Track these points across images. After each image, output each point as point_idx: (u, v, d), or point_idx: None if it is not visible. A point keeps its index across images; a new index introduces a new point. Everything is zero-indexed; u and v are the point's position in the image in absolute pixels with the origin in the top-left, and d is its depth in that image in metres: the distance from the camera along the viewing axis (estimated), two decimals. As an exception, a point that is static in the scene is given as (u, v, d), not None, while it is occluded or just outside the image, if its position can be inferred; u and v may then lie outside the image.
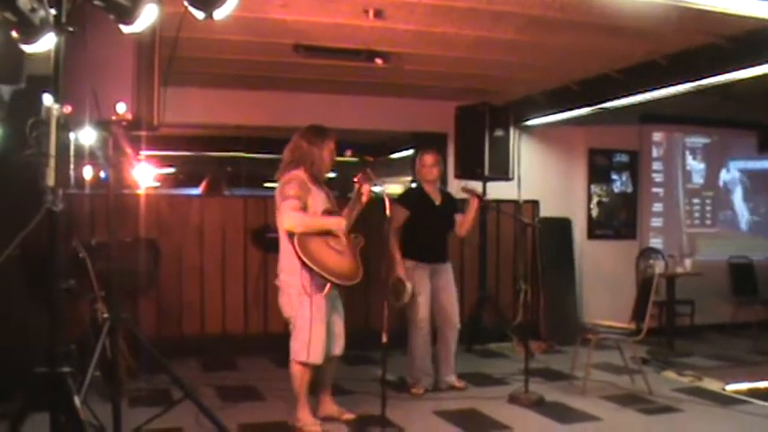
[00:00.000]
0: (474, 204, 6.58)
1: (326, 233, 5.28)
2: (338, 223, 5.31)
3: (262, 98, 8.57)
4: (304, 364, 5.27)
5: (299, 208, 5.20)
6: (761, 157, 10.81)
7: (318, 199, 5.39)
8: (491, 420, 5.84)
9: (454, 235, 6.87)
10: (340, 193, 5.75)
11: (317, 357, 5.26)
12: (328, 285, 5.26)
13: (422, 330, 6.55)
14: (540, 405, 6.21)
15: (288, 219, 5.19)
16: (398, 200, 6.66)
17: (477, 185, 7.45)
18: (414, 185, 7.05)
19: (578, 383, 6.79)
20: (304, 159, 5.39)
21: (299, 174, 5.34)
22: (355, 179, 5.48)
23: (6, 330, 5.37)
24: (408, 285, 6.37)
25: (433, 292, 6.64)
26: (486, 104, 8.14)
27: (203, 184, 10.03)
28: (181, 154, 12.42)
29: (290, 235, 5.19)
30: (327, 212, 5.40)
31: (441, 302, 6.69)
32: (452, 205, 6.82)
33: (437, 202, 6.73)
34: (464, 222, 6.71)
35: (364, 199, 5.45)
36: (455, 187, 6.96)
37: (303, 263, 5.13)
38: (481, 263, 8.86)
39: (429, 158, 6.73)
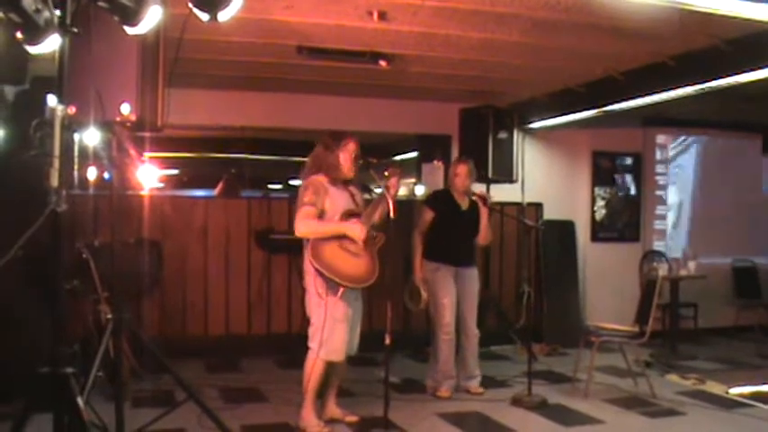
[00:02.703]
0: (484, 212, 6.57)
1: (342, 236, 5.31)
2: (353, 229, 5.31)
3: (266, 100, 8.58)
4: (322, 363, 5.30)
5: (312, 215, 5.25)
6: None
7: (340, 200, 5.41)
8: (494, 423, 5.84)
9: None
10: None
11: (331, 355, 5.30)
12: (341, 289, 5.27)
13: (447, 335, 6.53)
14: (542, 408, 6.22)
15: (300, 226, 5.26)
16: (425, 202, 6.78)
17: (481, 188, 7.44)
18: (443, 188, 7.00)
19: (581, 386, 6.78)
20: (321, 164, 5.44)
21: (318, 178, 5.39)
22: (386, 173, 5.47)
23: (9, 331, 5.39)
24: (423, 294, 6.40)
25: (456, 296, 6.65)
26: (490, 107, 8.13)
27: (219, 186, 10.01)
28: (185, 155, 12.44)
29: (305, 240, 5.26)
30: (347, 214, 5.42)
31: (461, 308, 6.68)
32: (479, 211, 6.72)
33: (463, 207, 6.70)
34: (481, 231, 6.69)
35: (391, 195, 5.41)
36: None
37: (314, 268, 5.19)
38: (484, 265, 8.84)
39: (463, 169, 6.70)
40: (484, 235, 6.71)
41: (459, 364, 6.77)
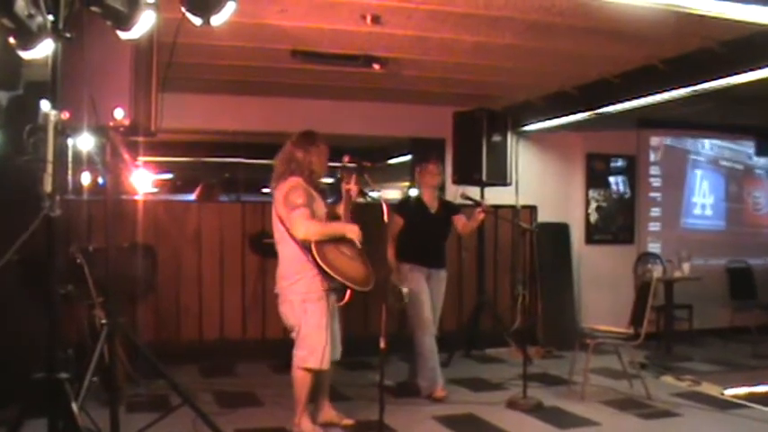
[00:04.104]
0: (479, 217, 6.62)
1: (338, 239, 5.26)
2: (352, 230, 5.29)
3: (260, 104, 8.57)
4: (310, 371, 5.26)
5: (310, 216, 5.16)
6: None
7: (320, 204, 5.40)
8: (489, 425, 5.83)
9: (452, 240, 6.93)
10: (339, 198, 5.76)
11: (324, 363, 5.25)
12: (348, 293, 5.24)
13: (429, 329, 6.57)
14: (538, 410, 6.21)
15: (303, 228, 5.11)
16: (395, 209, 6.72)
17: (475, 191, 7.46)
18: (411, 194, 7.08)
19: (577, 388, 6.78)
20: (302, 169, 5.35)
21: (300, 181, 5.30)
22: (338, 175, 5.49)
23: (4, 336, 5.37)
24: (404, 289, 6.39)
25: None
26: (484, 110, 8.14)
27: (197, 191, 10.03)
28: (178, 160, 12.41)
29: (305, 244, 5.15)
30: (329, 217, 5.42)
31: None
32: (449, 211, 6.88)
33: (433, 210, 6.79)
34: (466, 227, 6.82)
35: (353, 195, 5.45)
36: (452, 193, 6.98)
37: (324, 272, 5.10)
38: (479, 268, 8.86)
39: (433, 167, 6.81)
40: (469, 231, 6.94)
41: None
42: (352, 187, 5.44)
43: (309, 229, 5.12)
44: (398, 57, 6.75)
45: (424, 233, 6.69)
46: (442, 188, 7.92)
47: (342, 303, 5.32)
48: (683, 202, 10.40)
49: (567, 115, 8.36)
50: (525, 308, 8.82)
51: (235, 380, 7.26)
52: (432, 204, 6.80)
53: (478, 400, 6.55)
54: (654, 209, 10.20)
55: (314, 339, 5.19)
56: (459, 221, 6.83)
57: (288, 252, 5.28)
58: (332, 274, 5.09)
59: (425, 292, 6.60)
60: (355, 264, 5.29)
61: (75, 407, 3.08)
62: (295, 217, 5.14)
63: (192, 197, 9.91)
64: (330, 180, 5.70)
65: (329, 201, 5.66)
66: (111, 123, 4.17)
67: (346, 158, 5.56)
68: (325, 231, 5.23)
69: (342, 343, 5.58)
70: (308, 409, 5.41)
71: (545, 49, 6.39)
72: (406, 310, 6.61)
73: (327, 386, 5.69)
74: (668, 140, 10.29)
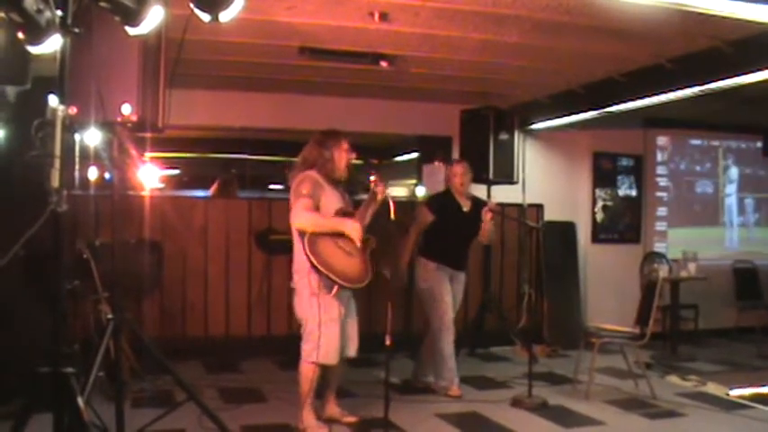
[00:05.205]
0: (486, 217, 6.58)
1: (338, 234, 5.27)
2: (352, 227, 5.27)
3: (267, 100, 8.58)
4: (316, 365, 5.26)
5: (311, 207, 5.19)
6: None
7: (333, 198, 5.39)
8: (494, 424, 5.83)
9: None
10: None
11: (328, 358, 5.24)
12: (335, 287, 5.25)
13: (450, 330, 6.56)
14: (543, 409, 6.21)
15: (300, 218, 5.18)
16: (426, 203, 6.81)
17: (481, 190, 7.46)
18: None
19: (582, 387, 6.78)
20: (315, 162, 5.40)
21: (312, 173, 5.35)
22: (371, 179, 5.49)
23: (10, 331, 5.38)
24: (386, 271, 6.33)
25: None
26: (491, 108, 8.14)
27: (214, 187, 10.03)
28: (185, 156, 12.45)
29: (301, 234, 5.19)
30: (341, 212, 5.40)
31: None
32: (480, 212, 6.75)
33: (465, 209, 6.72)
34: (484, 232, 6.67)
35: (379, 198, 5.46)
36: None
37: (311, 263, 5.12)
38: (485, 266, 8.85)
39: (460, 168, 6.78)
40: (486, 236, 6.71)
41: (426, 359, 6.82)
42: (380, 188, 5.45)
43: (307, 219, 5.17)
44: (406, 54, 6.76)
45: (454, 232, 6.65)
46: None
47: (331, 294, 5.30)
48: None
49: (573, 114, 8.34)
50: (531, 306, 8.83)
51: (239, 376, 7.27)
52: (464, 203, 6.74)
53: (483, 399, 6.55)
54: (660, 208, 10.19)
55: (317, 333, 5.20)
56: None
57: (299, 247, 5.31)
58: (316, 264, 5.09)
59: (450, 293, 6.60)
60: (351, 260, 5.27)
61: (80, 401, 3.08)
62: (296, 206, 5.21)
63: (209, 193, 9.92)
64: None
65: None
66: (119, 119, 4.18)
67: (353, 155, 5.57)
68: (321, 224, 5.23)
69: (357, 339, 5.58)
70: (314, 404, 5.42)
71: (552, 48, 6.39)
72: (427, 310, 6.64)
73: (336, 382, 5.70)
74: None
